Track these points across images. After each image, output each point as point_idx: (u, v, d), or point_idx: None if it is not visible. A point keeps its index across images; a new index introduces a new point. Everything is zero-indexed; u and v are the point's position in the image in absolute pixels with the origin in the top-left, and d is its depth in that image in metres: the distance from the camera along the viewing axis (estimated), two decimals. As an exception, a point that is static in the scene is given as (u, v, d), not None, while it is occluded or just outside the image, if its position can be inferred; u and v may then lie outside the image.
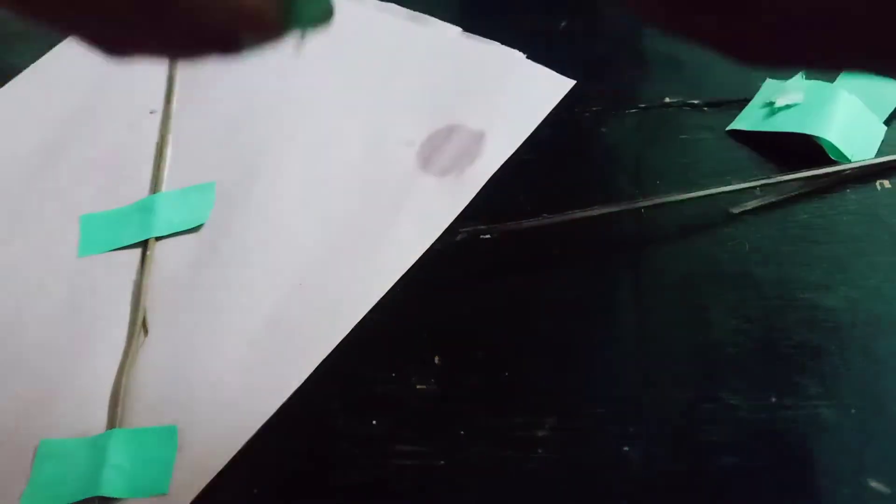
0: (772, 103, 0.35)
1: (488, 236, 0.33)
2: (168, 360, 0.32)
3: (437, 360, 0.30)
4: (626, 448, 0.27)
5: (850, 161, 0.33)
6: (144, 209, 0.37)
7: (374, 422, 0.29)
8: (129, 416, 0.30)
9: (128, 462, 0.29)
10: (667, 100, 0.37)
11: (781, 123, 0.34)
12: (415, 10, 0.43)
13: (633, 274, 0.32)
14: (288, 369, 0.31)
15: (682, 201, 0.32)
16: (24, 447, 0.30)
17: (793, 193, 0.32)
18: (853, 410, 0.27)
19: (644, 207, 0.33)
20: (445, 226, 0.34)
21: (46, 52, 0.47)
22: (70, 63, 0.46)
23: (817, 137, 0.33)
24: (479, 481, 0.27)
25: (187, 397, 0.31)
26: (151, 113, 0.42)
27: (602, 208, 0.31)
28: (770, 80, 0.37)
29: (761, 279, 0.31)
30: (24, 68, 0.46)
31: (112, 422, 0.30)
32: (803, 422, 0.27)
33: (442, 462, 0.28)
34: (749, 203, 0.32)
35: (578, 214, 0.31)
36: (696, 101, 0.37)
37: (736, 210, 0.32)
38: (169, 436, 0.29)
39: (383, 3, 0.45)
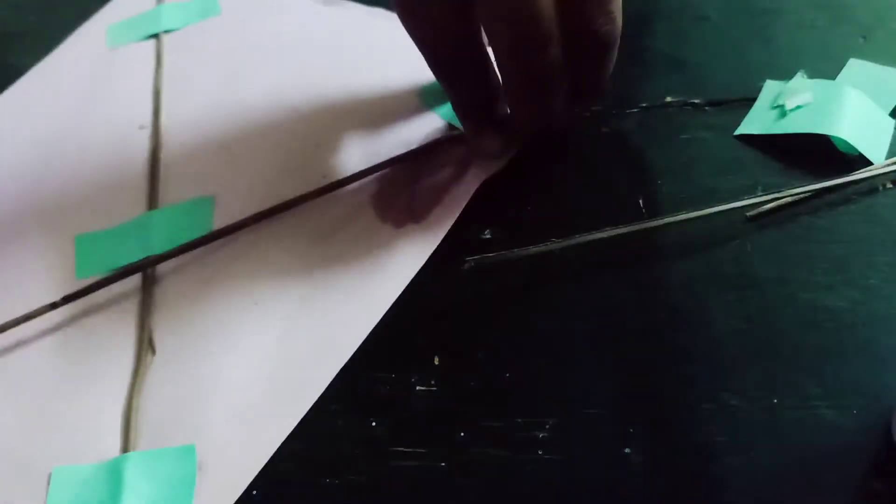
0: (781, 106, 0.35)
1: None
2: (179, 379, 0.31)
3: (437, 360, 0.30)
4: (626, 449, 0.27)
5: (858, 153, 0.33)
6: (142, 227, 0.36)
7: (373, 422, 0.29)
8: (144, 438, 0.30)
9: (147, 485, 0.28)
10: (668, 99, 0.37)
11: (793, 125, 0.34)
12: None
13: (634, 273, 0.32)
14: (306, 379, 0.30)
15: (694, 219, 0.32)
16: (36, 477, 0.29)
17: (805, 195, 0.32)
18: (854, 410, 0.27)
19: (648, 211, 0.33)
20: (448, 227, 0.34)
21: (46, 52, 0.47)
22: (53, 80, 0.46)
23: (831, 136, 0.33)
24: (479, 482, 0.27)
25: (203, 415, 0.30)
26: (141, 128, 0.41)
27: (611, 231, 0.31)
28: (770, 81, 0.37)
29: (762, 279, 0.31)
30: (23, 69, 0.46)
31: (126, 445, 0.30)
32: (803, 422, 0.27)
33: (442, 463, 0.28)
34: (765, 206, 0.32)
35: (586, 238, 0.31)
36: (697, 101, 0.37)
37: (750, 213, 0.32)
38: (187, 455, 0.29)
39: (373, 8, 0.45)
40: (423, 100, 0.39)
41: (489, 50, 0.32)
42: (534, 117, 0.34)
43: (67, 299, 0.33)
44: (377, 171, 0.36)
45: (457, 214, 0.34)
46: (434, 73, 0.34)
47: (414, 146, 0.37)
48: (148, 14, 0.48)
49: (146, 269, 0.35)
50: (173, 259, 0.35)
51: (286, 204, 0.36)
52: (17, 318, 0.33)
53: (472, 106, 0.34)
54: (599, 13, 0.31)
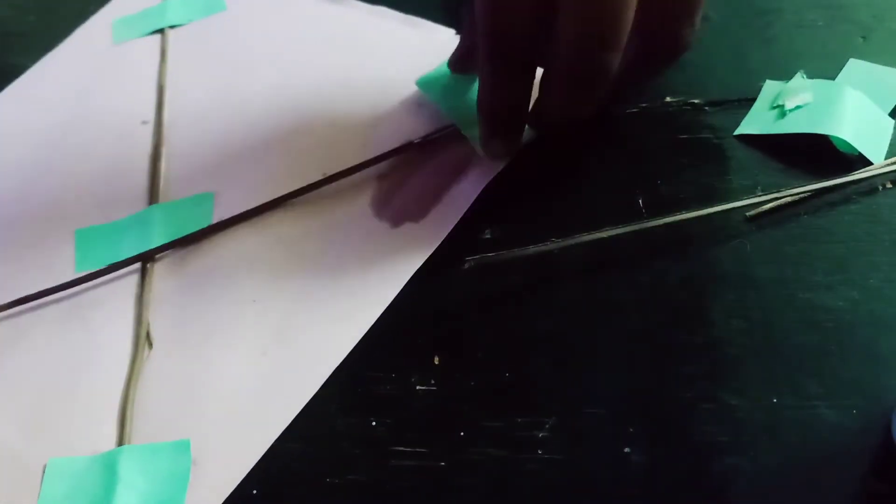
0: (781, 106, 0.35)
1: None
2: (176, 374, 0.31)
3: (436, 360, 0.30)
4: (626, 449, 0.27)
5: (857, 153, 0.33)
6: (142, 221, 0.36)
7: (373, 422, 0.29)
8: (139, 432, 0.30)
9: (141, 479, 0.28)
10: (667, 99, 0.37)
11: (793, 125, 0.34)
12: (406, 12, 0.43)
13: (634, 273, 0.32)
14: (301, 377, 0.30)
15: (694, 219, 0.31)
16: (32, 467, 0.29)
17: (805, 195, 0.32)
18: (853, 410, 0.27)
19: (648, 211, 0.33)
20: (449, 228, 0.34)
21: (46, 52, 0.47)
22: (58, 75, 0.46)
23: (831, 136, 0.33)
24: (479, 482, 0.27)
25: (198, 410, 0.30)
26: (143, 123, 0.41)
27: (611, 230, 0.31)
28: (769, 81, 0.37)
29: (762, 279, 0.31)
30: (23, 69, 0.46)
31: (121, 438, 0.30)
32: (803, 422, 0.27)
33: (442, 463, 0.28)
34: (765, 206, 0.32)
35: (586, 238, 0.31)
36: (696, 101, 0.37)
37: (750, 213, 0.32)
38: (182, 450, 0.29)
39: (374, 7, 0.45)
40: (423, 90, 0.39)
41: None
42: (569, 108, 0.33)
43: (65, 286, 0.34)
44: (376, 163, 0.36)
45: (458, 217, 0.34)
46: (485, 64, 0.32)
47: (414, 143, 0.37)
48: (154, 9, 0.48)
49: (144, 263, 0.35)
50: (171, 253, 0.35)
51: (287, 196, 0.36)
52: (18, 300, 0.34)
53: (504, 107, 0.33)
54: (687, 23, 0.32)
